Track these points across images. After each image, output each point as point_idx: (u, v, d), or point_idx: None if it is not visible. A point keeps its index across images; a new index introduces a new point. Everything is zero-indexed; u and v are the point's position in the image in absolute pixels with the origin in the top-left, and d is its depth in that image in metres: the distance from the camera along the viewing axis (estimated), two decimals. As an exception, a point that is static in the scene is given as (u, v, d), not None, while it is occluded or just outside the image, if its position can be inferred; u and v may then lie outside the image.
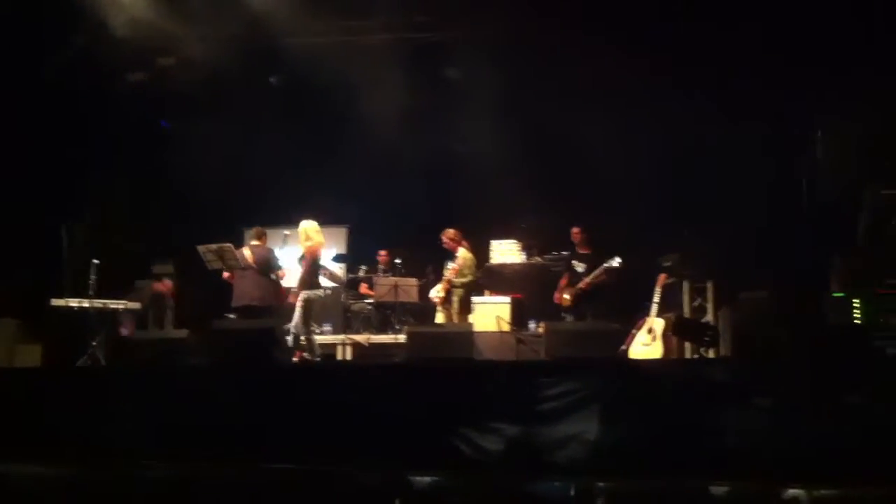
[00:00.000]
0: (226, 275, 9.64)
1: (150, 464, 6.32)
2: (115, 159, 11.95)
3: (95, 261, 10.45)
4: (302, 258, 9.38)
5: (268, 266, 9.72)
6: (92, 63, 10.97)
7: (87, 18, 10.48)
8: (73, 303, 10.15)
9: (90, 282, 10.37)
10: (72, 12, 10.39)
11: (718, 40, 9.86)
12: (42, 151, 11.33)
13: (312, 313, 9.32)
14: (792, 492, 5.40)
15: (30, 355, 10.44)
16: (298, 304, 9.15)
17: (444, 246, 10.37)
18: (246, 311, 9.53)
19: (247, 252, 9.65)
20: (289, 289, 9.87)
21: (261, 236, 10.00)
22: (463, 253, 10.33)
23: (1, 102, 10.65)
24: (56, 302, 10.09)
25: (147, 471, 6.26)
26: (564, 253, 10.44)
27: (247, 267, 9.57)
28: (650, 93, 10.54)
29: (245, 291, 9.64)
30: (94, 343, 10.01)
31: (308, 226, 9.35)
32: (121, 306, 10.38)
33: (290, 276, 9.91)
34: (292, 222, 9.73)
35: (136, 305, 10.53)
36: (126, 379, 7.27)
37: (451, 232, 10.36)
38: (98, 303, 10.22)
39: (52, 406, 6.91)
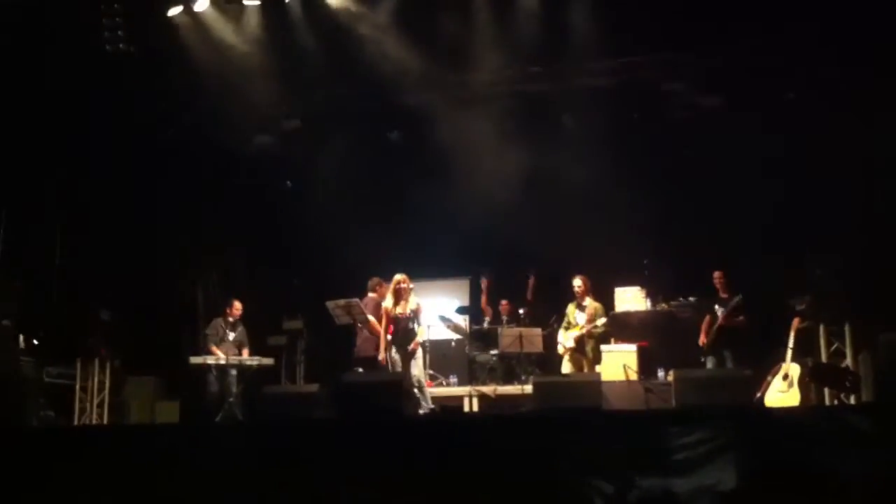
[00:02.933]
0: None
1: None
2: (244, 220, 12.47)
3: (229, 318, 10.87)
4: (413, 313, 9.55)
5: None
6: (220, 125, 11.53)
7: (214, 83, 11.05)
8: (211, 360, 10.53)
9: (220, 337, 10.77)
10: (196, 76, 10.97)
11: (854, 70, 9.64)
12: (176, 214, 11.93)
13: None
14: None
15: (169, 412, 10.88)
16: (419, 355, 9.42)
17: (577, 293, 10.33)
18: (368, 363, 9.72)
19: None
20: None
21: (374, 288, 10.17)
22: (591, 301, 10.28)
23: (135, 166, 11.29)
24: (195, 360, 10.49)
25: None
26: (691, 299, 10.28)
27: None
28: (776, 128, 10.39)
29: (366, 343, 9.88)
30: (231, 399, 10.35)
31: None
32: (255, 363, 10.70)
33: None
34: (413, 276, 9.86)
35: (269, 361, 10.84)
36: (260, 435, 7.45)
37: (584, 279, 10.33)
38: (234, 359, 10.57)
39: (188, 462, 7.11)
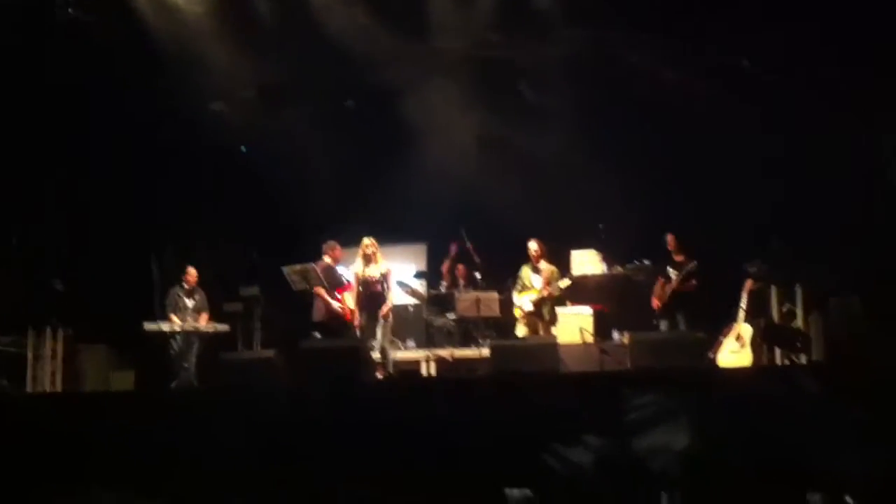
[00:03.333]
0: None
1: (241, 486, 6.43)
2: (197, 186, 12.32)
3: (184, 285, 10.79)
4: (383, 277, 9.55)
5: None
6: (174, 94, 11.33)
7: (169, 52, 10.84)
8: (165, 326, 10.44)
9: (179, 305, 10.69)
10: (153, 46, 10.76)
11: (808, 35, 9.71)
12: (129, 180, 11.75)
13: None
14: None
15: (123, 381, 10.79)
16: (386, 321, 9.40)
17: (531, 256, 10.38)
18: (325, 328, 9.73)
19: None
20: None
21: (327, 251, 10.15)
22: (546, 265, 10.32)
23: (85, 132, 11.10)
24: (148, 326, 10.38)
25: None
26: (646, 262, 10.36)
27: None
28: (735, 93, 10.47)
29: (321, 307, 9.90)
30: (186, 365, 10.29)
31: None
32: (211, 329, 10.63)
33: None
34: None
35: (225, 327, 10.78)
36: (217, 400, 7.42)
37: (539, 243, 10.37)
38: (190, 326, 10.50)
39: (145, 429, 7.07)
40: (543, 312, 10.22)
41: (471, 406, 6.65)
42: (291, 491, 6.25)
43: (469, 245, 11.56)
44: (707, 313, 9.53)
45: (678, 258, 10.05)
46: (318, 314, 9.95)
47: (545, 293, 10.19)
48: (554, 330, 10.01)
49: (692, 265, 9.86)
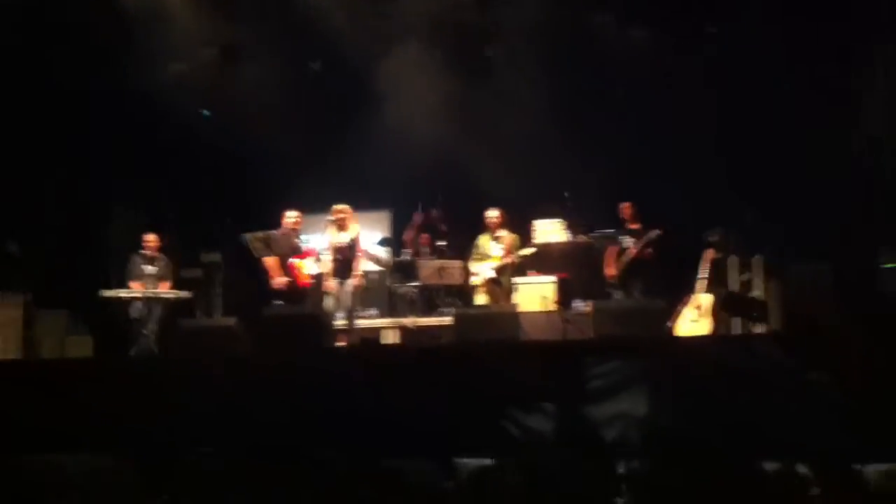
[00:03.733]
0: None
1: (200, 451, 6.40)
2: (157, 150, 12.14)
3: (143, 251, 10.66)
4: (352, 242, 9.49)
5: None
6: (133, 54, 11.12)
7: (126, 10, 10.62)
8: (123, 293, 10.32)
9: (138, 272, 10.57)
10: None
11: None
12: (85, 144, 11.55)
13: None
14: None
15: (81, 347, 10.66)
16: (355, 288, 9.38)
17: (490, 225, 10.35)
18: (282, 295, 9.67)
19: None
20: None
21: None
22: (507, 233, 10.30)
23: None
24: (106, 293, 10.25)
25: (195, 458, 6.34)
26: (610, 230, 10.37)
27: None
28: (697, 58, 10.48)
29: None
30: (145, 332, 10.19)
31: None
32: (171, 296, 10.53)
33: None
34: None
35: (186, 294, 10.68)
36: (176, 368, 7.37)
37: (498, 212, 10.34)
38: (149, 292, 10.39)
39: (103, 396, 7.01)
40: (503, 280, 10.21)
41: (433, 374, 6.65)
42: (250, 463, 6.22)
43: (435, 214, 11.51)
44: (663, 282, 9.59)
45: (633, 226, 10.07)
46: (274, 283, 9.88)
47: (507, 261, 10.19)
48: (516, 298, 10.02)
49: (655, 233, 9.89)
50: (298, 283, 9.76)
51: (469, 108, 11.28)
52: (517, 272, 10.40)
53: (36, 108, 10.95)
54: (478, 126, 11.34)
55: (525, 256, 10.23)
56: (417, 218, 11.79)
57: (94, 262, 11.70)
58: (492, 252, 10.31)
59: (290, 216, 9.95)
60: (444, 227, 11.43)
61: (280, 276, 9.67)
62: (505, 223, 10.36)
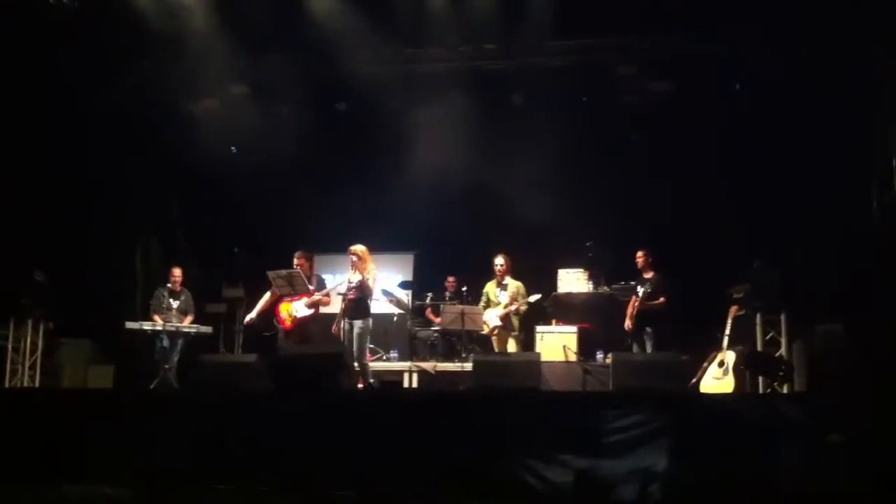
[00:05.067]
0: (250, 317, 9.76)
1: (215, 488, 6.39)
2: (184, 185, 12.26)
3: (169, 285, 10.74)
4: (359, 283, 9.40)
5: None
6: (163, 89, 11.28)
7: (161, 44, 10.78)
8: (147, 326, 10.39)
9: (164, 306, 10.63)
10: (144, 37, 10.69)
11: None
12: (114, 178, 11.69)
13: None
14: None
15: (102, 376, 10.71)
16: (362, 332, 9.26)
17: (496, 272, 10.43)
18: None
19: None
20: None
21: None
22: (511, 280, 10.42)
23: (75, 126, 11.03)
24: (130, 325, 10.33)
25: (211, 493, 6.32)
26: (633, 283, 10.34)
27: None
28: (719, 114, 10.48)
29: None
30: (167, 366, 10.23)
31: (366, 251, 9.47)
32: (193, 330, 10.58)
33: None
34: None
35: (208, 329, 10.72)
36: (195, 402, 7.36)
37: (503, 259, 10.41)
38: (171, 326, 10.45)
39: (120, 427, 7.01)
40: (513, 325, 10.25)
41: (451, 420, 6.60)
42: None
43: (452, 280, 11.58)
44: (689, 338, 9.47)
45: (647, 275, 10.04)
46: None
47: (512, 308, 10.21)
48: (538, 347, 9.99)
49: (653, 277, 9.83)
50: (282, 324, 9.68)
51: (497, 155, 11.33)
52: (531, 319, 10.43)
53: (67, 141, 11.09)
54: (504, 171, 11.38)
55: (530, 303, 10.22)
56: (451, 282, 11.73)
57: (120, 292, 11.77)
58: (498, 299, 10.35)
59: (300, 256, 9.94)
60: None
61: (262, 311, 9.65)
62: (509, 270, 10.42)
